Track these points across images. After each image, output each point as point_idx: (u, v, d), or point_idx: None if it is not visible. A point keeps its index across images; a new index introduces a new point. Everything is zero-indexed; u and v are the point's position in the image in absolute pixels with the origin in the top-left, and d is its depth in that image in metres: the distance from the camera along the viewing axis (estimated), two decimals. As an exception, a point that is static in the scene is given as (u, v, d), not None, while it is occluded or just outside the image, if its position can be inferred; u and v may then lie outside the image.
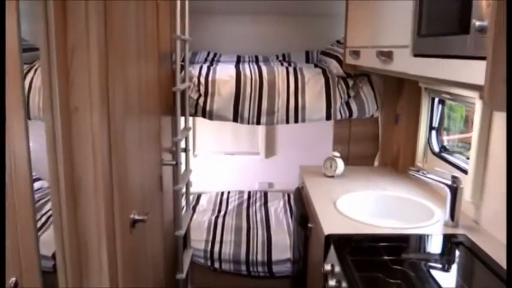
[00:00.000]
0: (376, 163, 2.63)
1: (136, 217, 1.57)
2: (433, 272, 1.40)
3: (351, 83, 2.42)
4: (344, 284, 1.33)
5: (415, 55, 1.36)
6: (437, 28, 1.23)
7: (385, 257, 1.45)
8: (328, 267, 1.47)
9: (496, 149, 1.61)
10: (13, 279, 0.98)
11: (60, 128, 1.21)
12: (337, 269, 1.43)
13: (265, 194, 3.35)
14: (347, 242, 1.57)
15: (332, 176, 2.32)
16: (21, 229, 1.06)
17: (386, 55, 1.59)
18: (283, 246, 2.61)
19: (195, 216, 2.91)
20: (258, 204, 3.18)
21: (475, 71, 0.98)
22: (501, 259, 1.41)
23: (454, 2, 1.12)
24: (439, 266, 1.49)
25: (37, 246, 1.15)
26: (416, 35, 1.35)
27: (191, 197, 3.18)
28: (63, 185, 1.24)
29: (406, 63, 1.44)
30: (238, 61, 2.94)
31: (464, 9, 1.04)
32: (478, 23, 0.96)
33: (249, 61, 2.94)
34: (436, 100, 2.20)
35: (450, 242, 1.59)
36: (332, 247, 1.53)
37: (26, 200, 1.09)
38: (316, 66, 2.63)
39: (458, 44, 1.07)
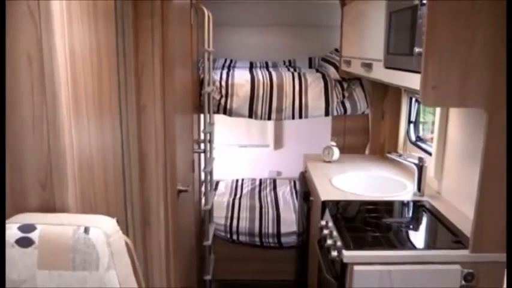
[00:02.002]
0: (367, 152, 3.14)
1: (181, 188, 2.09)
2: (403, 226, 1.92)
3: (345, 85, 2.93)
4: (335, 233, 1.85)
5: (386, 67, 1.87)
6: (398, 49, 1.74)
7: (366, 215, 1.97)
8: (323, 222, 1.99)
9: (452, 137, 2.11)
10: (115, 218, 1.50)
11: (134, 120, 1.74)
12: (330, 223, 1.94)
13: (274, 181, 3.84)
14: (338, 205, 2.09)
15: (329, 162, 2.83)
16: (117, 188, 1.59)
17: (368, 66, 2.10)
18: (290, 221, 3.10)
19: (215, 198, 3.42)
20: (268, 189, 3.68)
21: (417, 80, 1.49)
22: (451, 216, 1.92)
23: (407, 34, 1.63)
24: (407, 222, 2.01)
25: (125, 201, 1.68)
26: (386, 52, 1.86)
27: (210, 184, 3.69)
28: (135, 160, 1.77)
29: (380, 73, 1.94)
30: (251, 66, 3.44)
31: (412, 39, 1.56)
32: (417, 49, 1.47)
33: (260, 67, 3.44)
34: (413, 100, 2.70)
35: (416, 205, 2.11)
36: (327, 209, 2.05)
37: (118, 171, 1.62)
38: (317, 71, 3.14)
39: (408, 62, 1.58)
